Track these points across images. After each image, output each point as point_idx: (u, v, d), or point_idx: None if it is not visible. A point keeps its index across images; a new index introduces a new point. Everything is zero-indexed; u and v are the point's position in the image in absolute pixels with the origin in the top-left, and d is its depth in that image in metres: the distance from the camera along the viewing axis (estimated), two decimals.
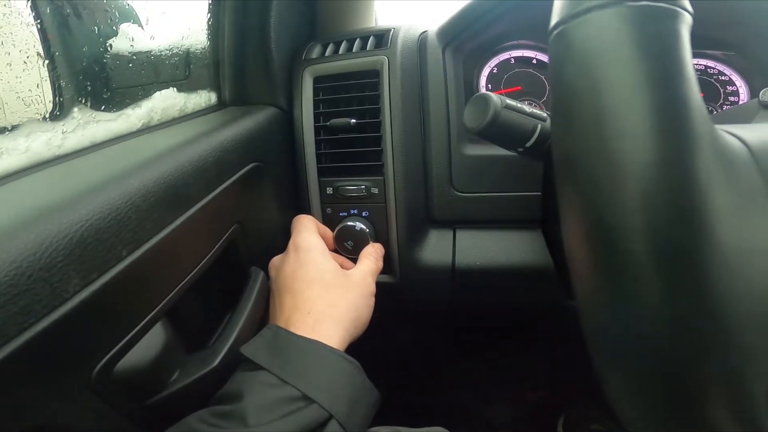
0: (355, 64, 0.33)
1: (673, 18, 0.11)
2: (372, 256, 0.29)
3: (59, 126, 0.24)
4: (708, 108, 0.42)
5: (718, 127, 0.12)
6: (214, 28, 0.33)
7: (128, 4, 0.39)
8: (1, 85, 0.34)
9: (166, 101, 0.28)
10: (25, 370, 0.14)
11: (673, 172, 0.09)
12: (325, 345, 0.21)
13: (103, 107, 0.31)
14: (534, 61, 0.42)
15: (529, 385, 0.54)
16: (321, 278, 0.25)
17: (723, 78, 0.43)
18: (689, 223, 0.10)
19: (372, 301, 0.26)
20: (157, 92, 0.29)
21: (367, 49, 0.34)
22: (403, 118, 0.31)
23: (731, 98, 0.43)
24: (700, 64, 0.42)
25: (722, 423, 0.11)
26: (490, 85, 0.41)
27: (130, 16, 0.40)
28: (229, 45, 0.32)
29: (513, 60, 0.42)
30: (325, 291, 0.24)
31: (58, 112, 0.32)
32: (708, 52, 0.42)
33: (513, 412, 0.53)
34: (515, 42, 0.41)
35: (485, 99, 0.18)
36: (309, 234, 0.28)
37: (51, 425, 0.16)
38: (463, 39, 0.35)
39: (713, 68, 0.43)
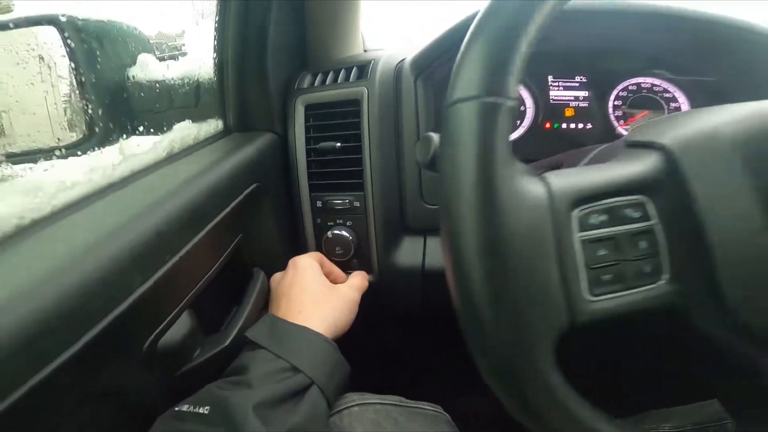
0: (339, 94, 0.39)
1: (494, 109, 0.16)
2: (360, 275, 0.36)
3: (107, 153, 0.31)
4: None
5: (548, 174, 0.18)
6: (219, 62, 0.39)
7: (150, 41, 0.45)
8: (49, 115, 0.41)
9: (183, 132, 0.34)
10: (107, 346, 0.21)
11: (478, 220, 0.15)
12: (311, 329, 0.27)
13: (135, 132, 0.38)
14: None
15: None
16: (311, 287, 0.31)
17: (667, 95, 0.48)
18: (489, 252, 0.15)
19: (353, 308, 0.32)
20: (176, 124, 0.35)
21: (350, 80, 0.40)
22: (380, 142, 0.38)
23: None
24: (647, 82, 0.48)
25: (525, 390, 0.15)
26: None
27: (149, 49, 0.46)
28: (232, 77, 0.39)
29: None
30: (314, 296, 0.30)
31: (97, 139, 0.39)
32: (656, 71, 0.48)
33: (487, 407, 0.59)
34: None
35: (428, 139, 0.24)
36: (306, 257, 0.34)
37: (111, 388, 0.23)
38: (433, 69, 0.41)
39: (659, 86, 0.48)
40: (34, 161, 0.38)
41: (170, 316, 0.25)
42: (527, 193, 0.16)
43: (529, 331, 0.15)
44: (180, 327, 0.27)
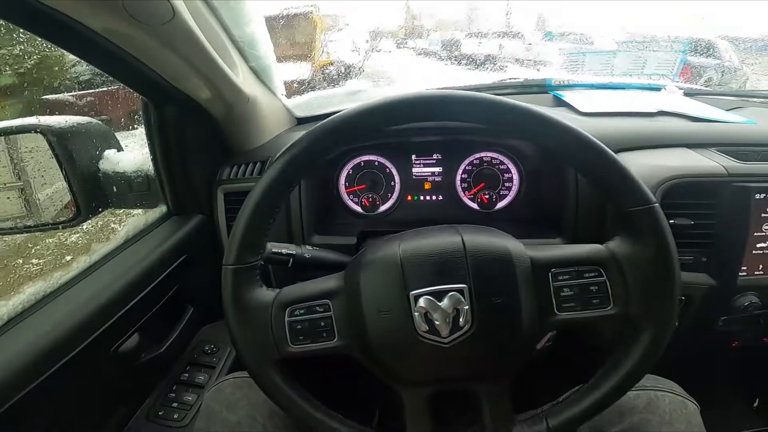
0: (244, 186, 0.57)
1: (237, 271, 0.33)
2: None
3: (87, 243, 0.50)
4: (487, 193, 0.64)
5: (284, 288, 0.35)
6: (154, 160, 0.56)
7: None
8: (51, 199, 0.61)
9: (136, 222, 0.53)
10: (92, 349, 0.41)
11: (232, 311, 0.33)
12: None
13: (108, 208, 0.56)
14: (376, 163, 0.64)
15: None
16: None
17: (502, 167, 0.65)
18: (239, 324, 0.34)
19: None
20: (131, 217, 0.54)
21: (253, 175, 0.57)
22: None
23: (507, 183, 0.65)
24: (488, 156, 0.64)
25: (260, 381, 0.34)
26: (347, 183, 0.64)
27: (112, 142, 0.64)
28: (164, 174, 0.56)
29: (362, 163, 0.65)
30: None
31: (79, 217, 0.58)
32: (494, 148, 0.63)
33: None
34: (362, 151, 0.63)
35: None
36: None
37: (94, 373, 0.43)
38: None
39: (496, 158, 0.64)
40: (43, 231, 0.59)
41: (125, 335, 0.47)
42: (260, 299, 0.34)
43: (259, 356, 0.34)
44: (131, 341, 0.49)
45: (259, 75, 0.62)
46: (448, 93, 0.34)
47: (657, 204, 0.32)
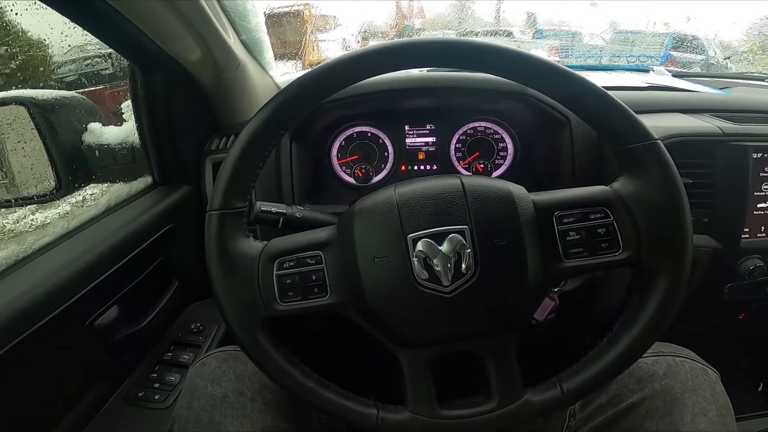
0: None
1: (223, 216, 0.32)
2: None
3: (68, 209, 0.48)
4: (482, 163, 0.64)
5: (272, 240, 0.33)
6: (140, 129, 0.55)
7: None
8: (31, 171, 0.59)
9: (119, 191, 0.52)
10: (65, 319, 0.39)
11: (218, 263, 0.31)
12: None
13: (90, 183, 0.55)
14: (369, 134, 0.64)
15: None
16: None
17: (496, 136, 0.64)
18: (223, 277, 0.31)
19: None
20: (114, 185, 0.52)
21: None
22: (265, 191, 0.54)
23: (501, 153, 0.65)
24: (481, 126, 0.64)
25: (242, 340, 0.31)
26: (339, 154, 0.64)
27: (96, 116, 0.63)
28: (150, 143, 0.55)
29: (355, 134, 0.64)
30: None
31: (59, 191, 0.57)
32: (486, 117, 0.63)
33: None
34: (355, 122, 0.63)
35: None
36: None
37: (68, 344, 0.41)
38: (303, 132, 0.57)
39: (489, 128, 0.64)
40: (22, 206, 0.57)
41: (102, 308, 0.44)
42: (246, 250, 0.32)
43: (245, 313, 0.31)
44: (110, 314, 0.46)
45: (250, 49, 0.62)
46: (444, 38, 0.33)
47: (659, 140, 0.31)
